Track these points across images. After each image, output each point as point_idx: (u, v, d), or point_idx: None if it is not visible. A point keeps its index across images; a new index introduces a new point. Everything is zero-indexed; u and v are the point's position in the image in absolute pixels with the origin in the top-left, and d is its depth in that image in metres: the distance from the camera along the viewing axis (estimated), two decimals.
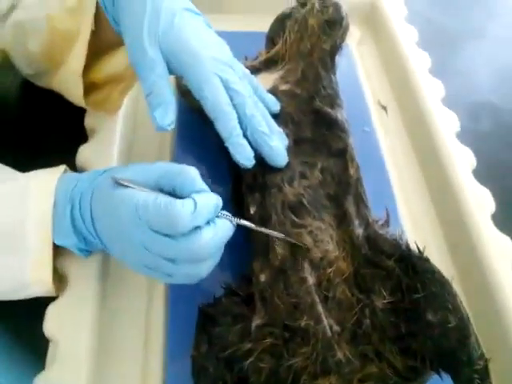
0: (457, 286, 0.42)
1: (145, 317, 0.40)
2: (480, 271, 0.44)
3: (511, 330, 0.39)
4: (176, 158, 0.50)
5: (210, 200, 0.33)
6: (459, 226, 0.47)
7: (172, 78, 0.45)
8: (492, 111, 0.64)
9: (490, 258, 0.44)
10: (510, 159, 0.59)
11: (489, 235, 0.45)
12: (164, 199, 0.31)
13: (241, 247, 0.40)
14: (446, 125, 0.54)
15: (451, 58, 0.69)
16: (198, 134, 0.51)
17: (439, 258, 0.47)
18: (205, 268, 0.34)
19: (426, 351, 0.31)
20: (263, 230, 0.36)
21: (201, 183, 0.33)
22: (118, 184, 0.32)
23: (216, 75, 0.38)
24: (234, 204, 0.43)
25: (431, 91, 0.57)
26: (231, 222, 0.34)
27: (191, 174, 0.33)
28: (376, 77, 0.63)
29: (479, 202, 0.48)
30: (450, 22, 0.73)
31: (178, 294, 0.40)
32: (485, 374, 0.30)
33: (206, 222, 0.32)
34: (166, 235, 0.31)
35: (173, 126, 0.37)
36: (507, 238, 0.45)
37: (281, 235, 0.36)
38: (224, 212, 0.34)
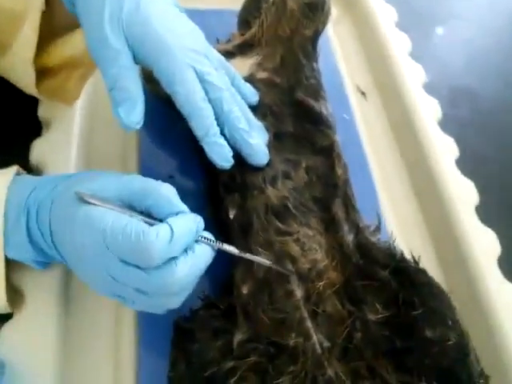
0: (441, 281, 0.41)
1: (113, 334, 0.37)
2: (464, 266, 0.42)
3: (496, 326, 0.38)
4: (142, 154, 0.46)
5: (189, 225, 0.29)
6: (442, 219, 0.46)
7: None
8: (470, 97, 0.62)
9: (474, 252, 0.43)
10: (488, 147, 0.58)
11: (472, 229, 0.44)
12: (136, 227, 0.27)
13: (221, 252, 0.37)
14: (427, 112, 0.52)
15: (428, 41, 0.67)
16: (166, 125, 0.47)
17: (423, 253, 0.45)
18: (177, 300, 0.31)
19: (423, 368, 0.29)
20: (248, 256, 0.32)
21: (178, 204, 0.29)
22: (82, 200, 0.28)
23: (189, 66, 0.33)
24: (211, 205, 0.40)
25: (412, 76, 0.54)
26: (212, 247, 0.30)
27: (165, 193, 0.29)
28: (354, 60, 0.59)
29: (463, 195, 0.46)
30: (426, 4, 0.71)
31: None
32: None
33: (183, 250, 0.29)
34: (137, 266, 0.27)
35: (140, 125, 0.33)
36: (491, 232, 0.44)
37: (267, 263, 0.32)
38: (204, 234, 0.30)
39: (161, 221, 0.29)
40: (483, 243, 0.43)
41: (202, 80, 0.34)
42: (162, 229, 0.27)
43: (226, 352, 0.32)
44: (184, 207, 0.30)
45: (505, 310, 0.38)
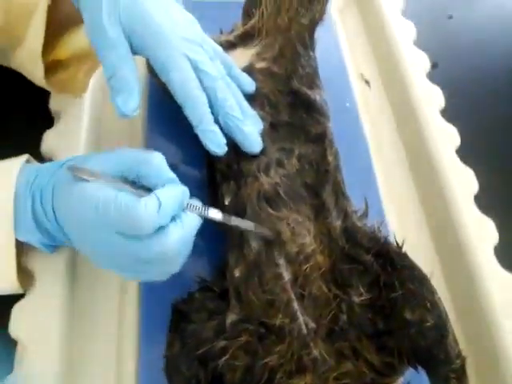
0: (437, 271, 0.41)
1: (117, 314, 0.39)
2: (462, 255, 0.43)
3: (490, 314, 0.39)
4: (149, 142, 0.48)
5: (175, 194, 0.31)
6: (442, 209, 0.46)
7: None
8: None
9: (472, 242, 0.43)
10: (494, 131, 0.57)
11: (471, 218, 0.44)
12: (125, 198, 0.29)
13: (217, 233, 0.38)
14: (430, 101, 0.52)
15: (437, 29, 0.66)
16: (171, 115, 0.48)
17: (422, 243, 0.46)
18: (175, 265, 0.33)
19: (403, 349, 0.30)
20: (233, 219, 0.34)
21: (167, 172, 0.32)
22: (77, 177, 0.30)
23: (184, 56, 0.35)
24: (210, 192, 0.41)
25: (416, 65, 0.54)
26: (199, 214, 0.32)
27: (155, 162, 0.31)
28: (359, 48, 0.59)
29: (463, 183, 0.46)
30: None
31: (150, 290, 0.39)
32: (462, 372, 0.29)
33: (171, 219, 0.31)
34: (132, 237, 0.30)
35: (137, 112, 0.35)
36: (489, 221, 0.44)
37: (251, 225, 0.34)
38: (192, 202, 0.32)
39: (150, 190, 0.31)
40: (480, 230, 0.43)
41: (195, 69, 0.36)
42: (149, 200, 0.29)
43: (219, 332, 0.33)
44: (172, 175, 0.32)
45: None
